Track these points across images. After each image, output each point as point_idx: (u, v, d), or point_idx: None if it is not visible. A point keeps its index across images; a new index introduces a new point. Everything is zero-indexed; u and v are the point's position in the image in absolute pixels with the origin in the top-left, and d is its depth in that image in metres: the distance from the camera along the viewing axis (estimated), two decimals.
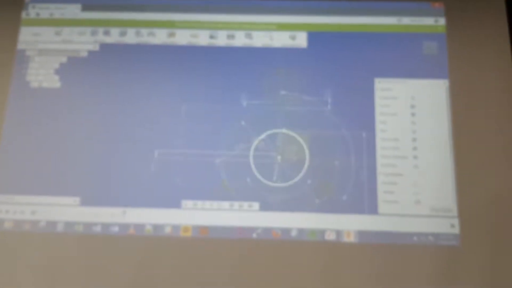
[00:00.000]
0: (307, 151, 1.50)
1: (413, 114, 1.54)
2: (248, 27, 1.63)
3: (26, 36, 1.64)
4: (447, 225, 1.45)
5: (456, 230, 1.44)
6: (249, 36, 1.62)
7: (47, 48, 1.63)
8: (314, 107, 1.52)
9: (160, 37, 1.63)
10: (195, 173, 1.49)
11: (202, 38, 1.63)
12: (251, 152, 1.44)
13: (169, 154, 1.51)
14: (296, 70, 1.57)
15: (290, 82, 1.55)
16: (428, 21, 1.61)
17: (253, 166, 1.46)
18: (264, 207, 1.47)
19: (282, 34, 1.62)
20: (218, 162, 1.44)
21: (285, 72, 1.55)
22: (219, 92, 1.57)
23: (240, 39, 1.62)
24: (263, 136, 1.46)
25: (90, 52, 1.62)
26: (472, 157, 1.49)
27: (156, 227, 1.47)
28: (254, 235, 1.45)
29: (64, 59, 1.62)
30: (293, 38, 1.61)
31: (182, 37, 1.63)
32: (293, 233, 1.45)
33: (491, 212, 1.45)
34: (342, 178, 1.49)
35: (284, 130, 1.49)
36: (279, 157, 1.45)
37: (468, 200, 1.46)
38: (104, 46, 1.63)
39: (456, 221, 1.44)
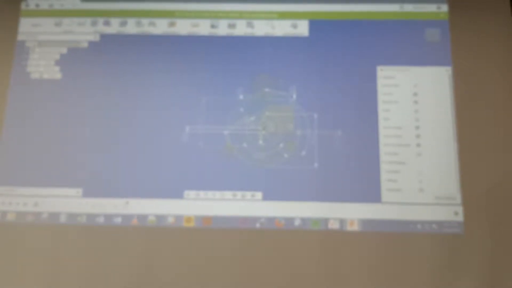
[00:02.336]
0: (284, 126, 1.55)
1: (416, 102, 1.53)
2: (249, 16, 1.62)
3: (26, 27, 1.63)
4: (450, 213, 1.44)
5: (460, 217, 1.44)
6: (250, 25, 1.61)
7: (47, 39, 1.62)
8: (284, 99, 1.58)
9: (160, 27, 1.62)
10: (209, 139, 1.53)
11: (203, 28, 1.62)
12: (246, 127, 1.54)
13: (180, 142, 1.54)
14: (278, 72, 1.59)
15: (272, 82, 1.58)
16: (431, 8, 1.60)
17: (247, 135, 1.53)
18: (267, 196, 1.47)
19: (284, 22, 1.61)
20: (226, 133, 1.53)
21: (268, 76, 1.58)
22: (220, 86, 1.57)
23: (241, 28, 1.61)
24: (253, 117, 1.55)
25: (91, 43, 1.62)
26: (475, 145, 1.48)
27: (159, 217, 1.47)
28: (258, 225, 1.45)
29: (64, 50, 1.61)
30: (294, 26, 1.60)
31: (183, 27, 1.62)
32: (297, 223, 1.45)
33: (495, 199, 1.44)
34: (302, 139, 1.51)
35: (266, 113, 1.56)
36: (263, 131, 1.55)
37: (472, 187, 1.45)
38: (105, 37, 1.62)
39: (460, 209, 1.44)
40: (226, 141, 1.53)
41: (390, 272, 1.41)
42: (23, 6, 1.65)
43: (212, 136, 1.53)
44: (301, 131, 1.53)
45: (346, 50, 1.57)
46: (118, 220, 1.47)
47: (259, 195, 1.48)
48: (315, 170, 1.48)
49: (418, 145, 1.49)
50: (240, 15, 1.62)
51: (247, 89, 1.58)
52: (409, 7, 1.60)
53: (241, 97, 1.57)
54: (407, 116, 1.52)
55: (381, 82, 1.54)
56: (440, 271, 1.40)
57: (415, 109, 1.52)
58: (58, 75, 1.59)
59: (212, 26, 1.62)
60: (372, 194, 1.46)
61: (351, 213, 1.45)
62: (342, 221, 1.45)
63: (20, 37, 1.62)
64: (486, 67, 1.54)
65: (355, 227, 1.44)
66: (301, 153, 1.51)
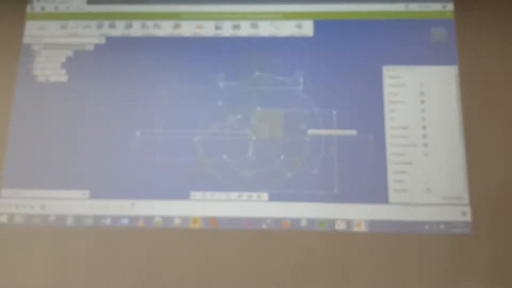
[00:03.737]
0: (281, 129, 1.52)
1: (422, 102, 1.52)
2: (254, 17, 1.62)
3: (32, 30, 1.64)
4: (458, 213, 1.43)
5: (468, 218, 1.43)
6: (254, 26, 1.61)
7: (53, 42, 1.63)
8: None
9: (165, 29, 1.63)
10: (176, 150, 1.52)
11: (208, 29, 1.62)
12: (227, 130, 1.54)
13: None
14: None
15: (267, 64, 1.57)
16: (436, 6, 1.59)
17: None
18: (273, 197, 1.47)
19: (288, 23, 1.61)
20: (196, 139, 1.53)
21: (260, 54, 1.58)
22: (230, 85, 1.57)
23: (245, 29, 1.61)
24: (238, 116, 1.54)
25: (96, 45, 1.62)
26: (483, 144, 1.47)
27: (165, 219, 1.47)
28: (264, 226, 1.45)
29: (70, 53, 1.62)
30: (299, 27, 1.60)
31: (188, 29, 1.62)
32: (303, 223, 1.45)
33: (503, 199, 1.43)
34: (312, 153, 1.49)
35: (258, 109, 1.53)
36: (254, 137, 1.52)
37: (480, 187, 1.44)
38: (110, 39, 1.62)
39: (467, 209, 1.43)
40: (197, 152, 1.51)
41: (397, 273, 1.40)
42: (28, 9, 1.66)
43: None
44: (313, 137, 1.52)
45: (351, 50, 1.57)
46: (125, 221, 1.47)
47: (265, 195, 1.47)
48: (321, 171, 1.48)
49: (425, 145, 1.49)
50: (245, 16, 1.62)
51: (229, 74, 1.57)
52: (414, 6, 1.60)
53: (220, 84, 1.57)
54: (414, 116, 1.51)
55: (387, 82, 1.54)
56: (448, 272, 1.39)
57: (421, 109, 1.51)
58: (64, 78, 1.60)
59: (217, 28, 1.62)
60: (379, 194, 1.45)
61: (358, 214, 1.44)
62: (349, 222, 1.44)
63: (25, 40, 1.63)
64: (493, 65, 1.53)
65: (362, 228, 1.44)
66: (312, 170, 1.49)
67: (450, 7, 1.59)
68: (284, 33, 1.60)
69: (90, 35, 1.63)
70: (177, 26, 1.63)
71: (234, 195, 1.48)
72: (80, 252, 1.45)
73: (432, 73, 1.54)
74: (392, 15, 1.59)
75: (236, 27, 1.61)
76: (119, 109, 1.56)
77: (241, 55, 1.58)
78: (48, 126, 1.55)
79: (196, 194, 1.48)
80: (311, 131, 1.51)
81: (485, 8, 1.57)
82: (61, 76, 1.60)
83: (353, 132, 1.50)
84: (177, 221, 1.47)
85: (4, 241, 1.47)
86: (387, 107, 1.52)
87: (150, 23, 1.63)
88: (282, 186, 1.47)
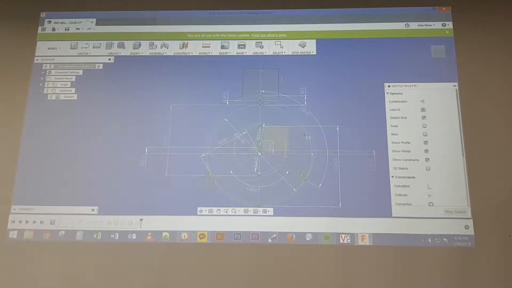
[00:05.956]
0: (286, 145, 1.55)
1: (423, 117, 1.55)
2: (259, 36, 1.66)
3: (43, 50, 1.68)
4: (461, 226, 1.45)
5: (470, 231, 1.45)
6: (259, 44, 1.65)
7: (63, 61, 1.67)
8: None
9: (173, 48, 1.67)
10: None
11: (214, 48, 1.66)
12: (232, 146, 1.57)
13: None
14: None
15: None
16: (436, 25, 1.63)
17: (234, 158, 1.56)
18: (279, 212, 1.49)
19: (292, 42, 1.65)
20: (202, 155, 1.57)
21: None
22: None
23: (251, 48, 1.65)
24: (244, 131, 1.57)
25: (105, 65, 1.66)
26: (483, 158, 1.50)
27: (173, 233, 1.49)
28: (270, 240, 1.47)
29: (80, 72, 1.65)
30: (303, 45, 1.64)
31: (194, 48, 1.66)
32: (308, 238, 1.47)
33: (505, 212, 1.46)
34: (316, 168, 1.52)
35: (264, 126, 1.56)
36: (259, 153, 1.56)
37: (482, 201, 1.47)
38: (119, 59, 1.66)
39: (470, 222, 1.45)
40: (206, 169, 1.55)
41: (401, 286, 1.41)
42: (39, 30, 1.70)
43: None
44: (317, 152, 1.55)
45: (354, 67, 1.60)
46: (133, 236, 1.49)
47: (270, 210, 1.50)
48: (325, 186, 1.51)
49: (427, 159, 1.51)
50: (250, 35, 1.67)
51: (235, 91, 1.61)
52: (414, 25, 1.64)
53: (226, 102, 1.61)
54: (416, 131, 1.54)
55: (388, 98, 1.57)
56: (451, 284, 1.41)
57: (423, 124, 1.55)
58: (74, 96, 1.63)
59: (223, 47, 1.66)
60: (382, 208, 1.48)
61: (362, 228, 1.47)
62: (353, 236, 1.46)
63: (37, 60, 1.67)
64: (492, 82, 1.56)
65: (366, 242, 1.46)
66: (316, 185, 1.52)
67: (449, 25, 1.63)
68: (288, 51, 1.64)
69: (99, 54, 1.67)
70: (184, 46, 1.66)
71: (240, 210, 1.50)
72: (89, 266, 1.47)
73: (433, 90, 1.57)
74: (393, 34, 1.63)
75: (242, 46, 1.66)
76: (128, 126, 1.59)
77: (246, 73, 1.62)
78: (58, 143, 1.58)
79: (203, 209, 1.50)
80: (315, 147, 1.54)
81: (483, 26, 1.61)
82: (71, 95, 1.63)
83: (356, 148, 1.53)
84: (184, 236, 1.49)
85: (14, 256, 1.49)
86: (389, 122, 1.55)
87: (158, 42, 1.67)
88: (287, 201, 1.50)
